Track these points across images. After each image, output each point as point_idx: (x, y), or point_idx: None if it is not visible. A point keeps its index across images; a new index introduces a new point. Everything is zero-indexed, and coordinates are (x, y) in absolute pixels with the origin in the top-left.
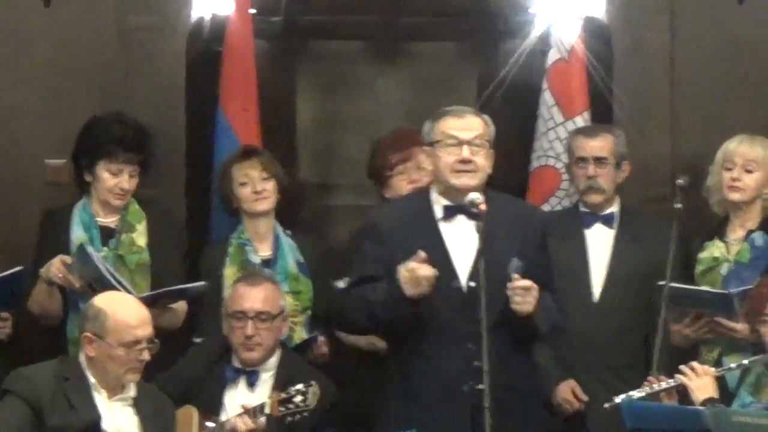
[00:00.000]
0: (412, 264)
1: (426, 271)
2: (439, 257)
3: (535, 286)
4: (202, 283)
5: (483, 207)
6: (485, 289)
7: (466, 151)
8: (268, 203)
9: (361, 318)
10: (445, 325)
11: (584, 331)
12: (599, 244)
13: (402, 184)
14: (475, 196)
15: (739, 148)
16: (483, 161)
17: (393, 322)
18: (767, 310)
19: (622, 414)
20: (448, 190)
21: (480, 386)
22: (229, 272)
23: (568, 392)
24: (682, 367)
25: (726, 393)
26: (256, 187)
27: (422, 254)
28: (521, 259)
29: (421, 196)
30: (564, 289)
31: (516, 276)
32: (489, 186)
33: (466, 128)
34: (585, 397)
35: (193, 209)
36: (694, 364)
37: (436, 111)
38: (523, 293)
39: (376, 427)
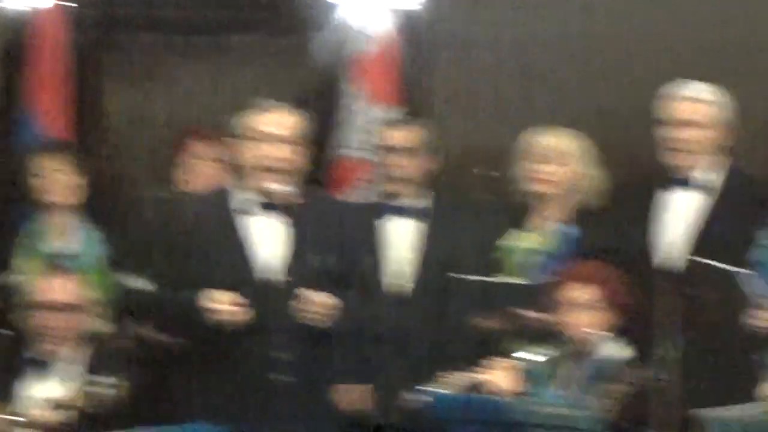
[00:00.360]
0: (216, 304)
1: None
2: (246, 252)
3: (329, 302)
4: (8, 275)
5: (293, 201)
6: (293, 283)
7: (278, 150)
8: (67, 196)
9: (173, 325)
10: (252, 319)
11: (388, 325)
12: (403, 236)
13: (183, 177)
14: (286, 191)
15: (543, 140)
16: (295, 158)
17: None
18: (568, 301)
19: (425, 405)
20: (258, 186)
21: (286, 378)
22: (25, 264)
23: (352, 397)
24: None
25: (529, 385)
26: (55, 180)
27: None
28: (329, 252)
29: (226, 190)
30: (368, 283)
31: (305, 295)
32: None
33: (278, 126)
34: (369, 404)
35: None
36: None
37: (249, 105)
38: (314, 308)
39: (182, 418)
